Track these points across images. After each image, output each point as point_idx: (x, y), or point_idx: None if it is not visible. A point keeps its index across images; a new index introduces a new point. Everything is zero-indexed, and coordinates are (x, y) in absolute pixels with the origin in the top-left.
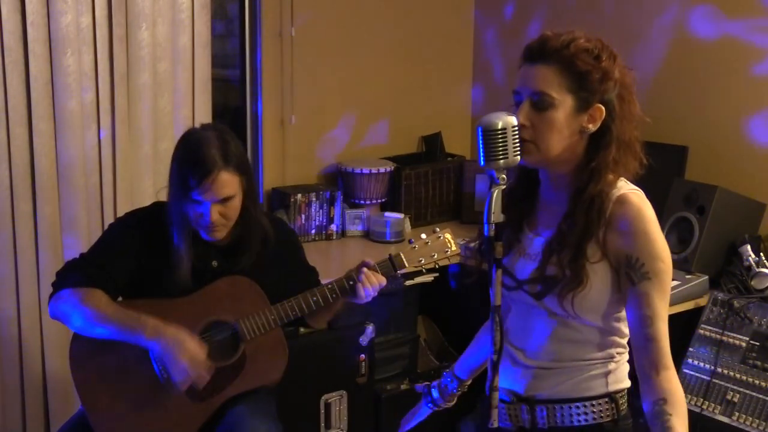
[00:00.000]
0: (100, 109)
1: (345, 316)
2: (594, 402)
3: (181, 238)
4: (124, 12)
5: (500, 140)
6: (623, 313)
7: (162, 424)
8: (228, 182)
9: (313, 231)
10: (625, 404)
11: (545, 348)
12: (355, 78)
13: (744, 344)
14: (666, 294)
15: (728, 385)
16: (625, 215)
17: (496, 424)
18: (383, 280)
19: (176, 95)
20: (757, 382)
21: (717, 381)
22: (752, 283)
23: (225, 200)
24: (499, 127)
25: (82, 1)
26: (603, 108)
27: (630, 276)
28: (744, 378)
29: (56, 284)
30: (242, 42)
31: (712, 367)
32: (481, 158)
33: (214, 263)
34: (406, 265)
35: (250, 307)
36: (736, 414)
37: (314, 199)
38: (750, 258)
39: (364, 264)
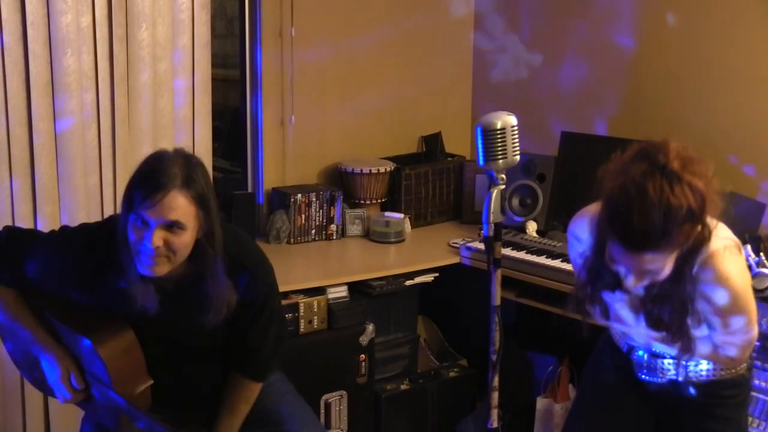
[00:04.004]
0: (100, 109)
1: (345, 316)
2: None
3: (129, 265)
4: (124, 12)
5: (499, 140)
6: None
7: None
8: (181, 206)
9: (313, 231)
10: None
11: None
12: (355, 78)
13: None
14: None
15: None
16: (708, 280)
17: (495, 425)
18: None
19: (176, 95)
20: (757, 382)
21: None
22: (752, 283)
23: (173, 227)
24: (498, 127)
25: (82, 1)
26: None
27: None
28: None
29: None
30: (242, 42)
31: None
32: (481, 158)
33: (160, 299)
34: None
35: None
36: None
37: (314, 199)
38: (750, 258)
39: None
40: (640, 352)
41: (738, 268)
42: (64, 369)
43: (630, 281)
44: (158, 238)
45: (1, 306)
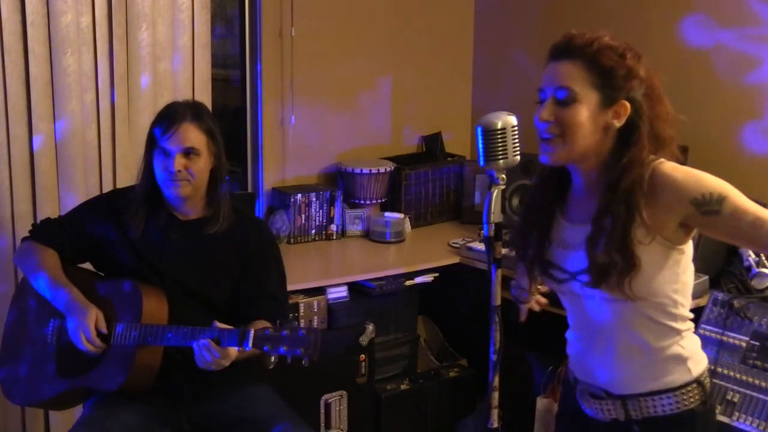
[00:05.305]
0: (100, 109)
1: (345, 316)
2: (684, 390)
3: (143, 192)
4: (124, 12)
5: (500, 140)
6: (679, 284)
7: (28, 381)
8: (194, 135)
9: (313, 231)
10: (709, 383)
11: (613, 334)
12: (355, 78)
13: (744, 344)
14: (745, 197)
15: (728, 385)
16: (662, 182)
17: (496, 425)
18: (218, 354)
19: (176, 95)
20: (757, 382)
21: (717, 381)
22: (752, 283)
23: (190, 153)
24: (499, 127)
25: (82, 1)
26: (628, 105)
27: (709, 211)
28: (744, 378)
29: (29, 234)
30: (242, 42)
31: (712, 367)
32: (481, 158)
33: (173, 236)
34: (251, 347)
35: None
36: (736, 414)
37: (314, 199)
38: (750, 258)
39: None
40: (582, 387)
41: (685, 167)
42: (92, 311)
43: (540, 114)
44: (179, 163)
45: (38, 258)
